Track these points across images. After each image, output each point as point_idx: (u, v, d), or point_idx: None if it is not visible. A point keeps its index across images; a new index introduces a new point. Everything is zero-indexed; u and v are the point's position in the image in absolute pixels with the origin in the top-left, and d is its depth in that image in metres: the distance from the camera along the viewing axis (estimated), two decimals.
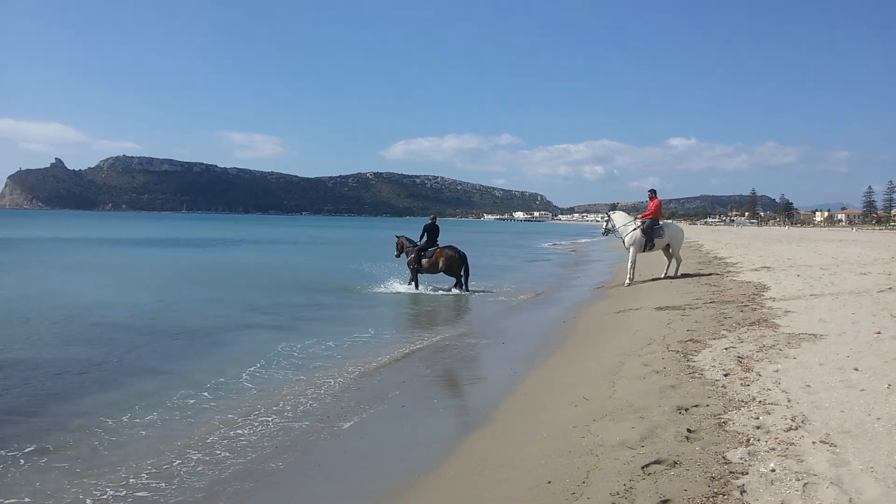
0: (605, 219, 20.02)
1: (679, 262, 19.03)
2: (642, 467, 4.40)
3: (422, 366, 9.99)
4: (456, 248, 19.65)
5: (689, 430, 5.04)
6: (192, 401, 7.85)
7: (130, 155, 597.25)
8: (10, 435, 6.62)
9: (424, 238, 20.11)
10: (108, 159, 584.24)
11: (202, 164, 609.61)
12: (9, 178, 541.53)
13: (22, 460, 6.00)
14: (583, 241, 69.67)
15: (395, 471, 5.72)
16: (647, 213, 19.19)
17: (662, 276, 18.75)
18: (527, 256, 41.76)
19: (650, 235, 18.43)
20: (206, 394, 8.13)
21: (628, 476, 4.31)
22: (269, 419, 7.19)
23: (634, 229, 18.60)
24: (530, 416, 6.51)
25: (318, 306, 16.53)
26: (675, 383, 6.55)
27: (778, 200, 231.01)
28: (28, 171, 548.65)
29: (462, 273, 19.37)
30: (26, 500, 5.20)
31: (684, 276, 19.25)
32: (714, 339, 8.88)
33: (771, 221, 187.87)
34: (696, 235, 60.71)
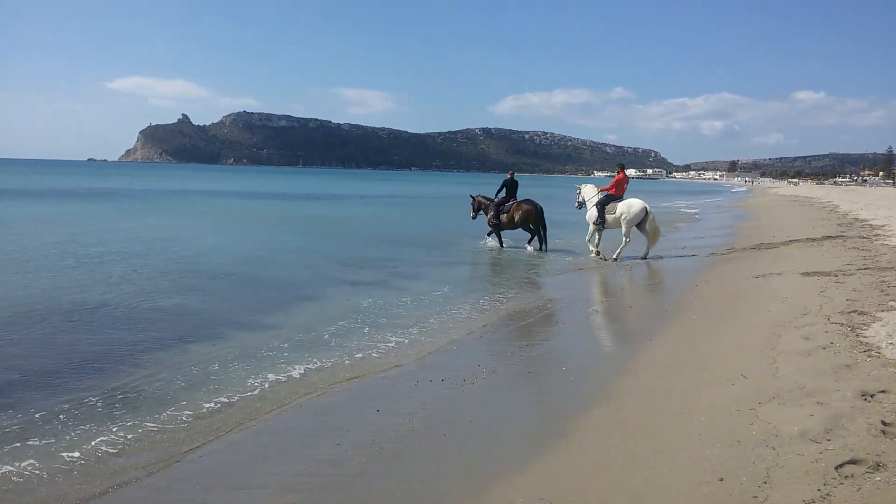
0: (578, 191, 18.90)
1: (626, 241, 16.99)
2: (836, 468, 3.65)
3: (536, 330, 9.40)
4: (533, 202, 18.70)
5: (884, 423, 4.21)
6: (286, 353, 7.71)
7: (251, 111, 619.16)
8: (96, 380, 6.71)
9: (503, 193, 19.39)
10: (230, 115, 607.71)
11: (317, 119, 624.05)
12: (140, 132, 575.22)
13: (99, 405, 6.02)
14: (703, 200, 66.41)
15: (528, 444, 5.16)
16: (607, 186, 18.13)
17: (642, 256, 17.08)
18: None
19: (601, 212, 17.40)
20: (294, 350, 7.90)
21: (820, 478, 3.57)
22: (378, 382, 6.85)
23: (594, 205, 17.69)
24: (678, 394, 5.77)
25: (409, 261, 16.10)
26: (850, 362, 5.65)
27: None
28: (157, 126, 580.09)
29: (540, 229, 18.42)
30: (81, 447, 5.19)
31: (825, 237, 17.63)
32: (883, 310, 7.79)
33: None
34: (829, 196, 56.55)
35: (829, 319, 7.49)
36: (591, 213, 17.78)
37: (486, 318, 9.80)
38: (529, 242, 18.72)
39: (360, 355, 7.69)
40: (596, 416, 5.56)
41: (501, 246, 19.03)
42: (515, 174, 20.35)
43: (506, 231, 19.40)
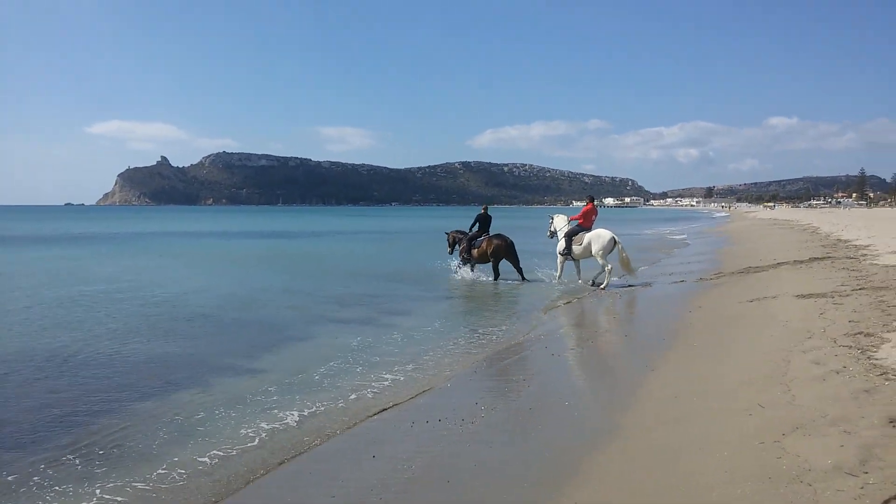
0: (550, 221, 19.24)
1: (605, 271, 17.01)
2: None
3: (533, 363, 9.09)
4: (503, 236, 18.97)
5: None
6: (274, 397, 7.33)
7: (230, 151, 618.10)
8: (72, 434, 6.29)
9: (476, 227, 19.75)
10: (209, 156, 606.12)
11: (297, 158, 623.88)
12: (119, 176, 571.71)
13: (78, 463, 5.63)
14: (685, 226, 66.92)
15: (538, 487, 4.81)
16: (577, 216, 18.51)
17: (591, 283, 17.40)
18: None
19: (569, 242, 17.83)
20: (284, 393, 7.52)
21: None
22: (374, 425, 6.50)
23: (563, 235, 18.08)
24: (692, 426, 5.47)
25: (395, 297, 15.81)
26: (868, 387, 5.40)
27: (889, 181, 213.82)
28: (136, 169, 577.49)
29: (515, 262, 18.72)
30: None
31: (812, 259, 17.56)
32: (889, 331, 7.58)
33: (882, 203, 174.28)
34: (807, 218, 57.09)
35: (835, 342, 7.27)
36: (560, 243, 18.08)
37: (481, 353, 9.50)
38: (496, 279, 18.67)
39: (354, 396, 7.34)
40: (607, 452, 5.24)
41: (472, 271, 19.29)
42: (491, 207, 20.69)
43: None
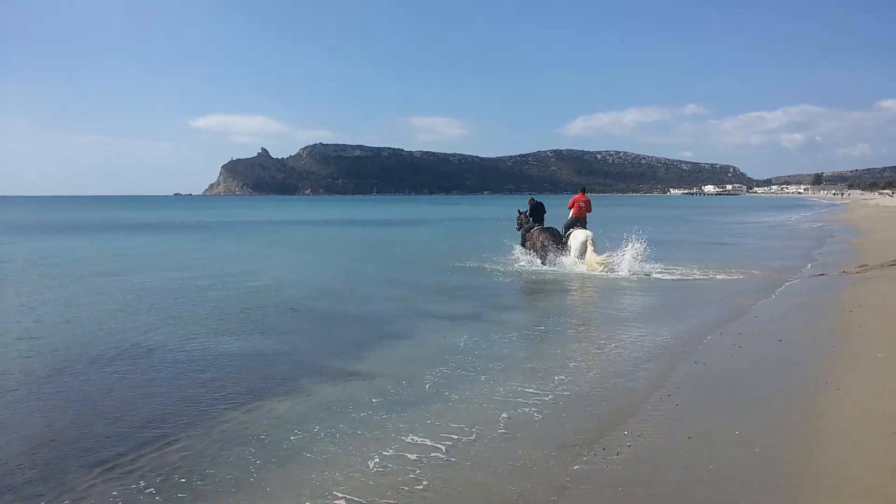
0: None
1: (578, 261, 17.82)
2: None
3: (677, 374, 7.70)
4: (554, 230, 19.15)
5: None
6: (384, 415, 6.22)
7: (326, 143, 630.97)
8: (150, 453, 5.38)
9: (530, 220, 20.13)
10: (306, 147, 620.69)
11: (390, 148, 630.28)
12: (222, 167, 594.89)
13: (153, 489, 4.73)
14: (796, 215, 62.85)
15: None
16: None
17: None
18: (739, 231, 37.33)
19: (566, 233, 18.88)
20: (402, 409, 6.41)
21: None
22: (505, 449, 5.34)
23: (564, 226, 19.21)
24: None
25: (496, 289, 14.85)
26: None
27: None
28: (238, 160, 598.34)
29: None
30: None
31: None
32: None
33: None
34: None
35: None
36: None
37: (610, 359, 8.20)
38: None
39: (506, 415, 6.11)
40: None
41: (530, 261, 19.07)
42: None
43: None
